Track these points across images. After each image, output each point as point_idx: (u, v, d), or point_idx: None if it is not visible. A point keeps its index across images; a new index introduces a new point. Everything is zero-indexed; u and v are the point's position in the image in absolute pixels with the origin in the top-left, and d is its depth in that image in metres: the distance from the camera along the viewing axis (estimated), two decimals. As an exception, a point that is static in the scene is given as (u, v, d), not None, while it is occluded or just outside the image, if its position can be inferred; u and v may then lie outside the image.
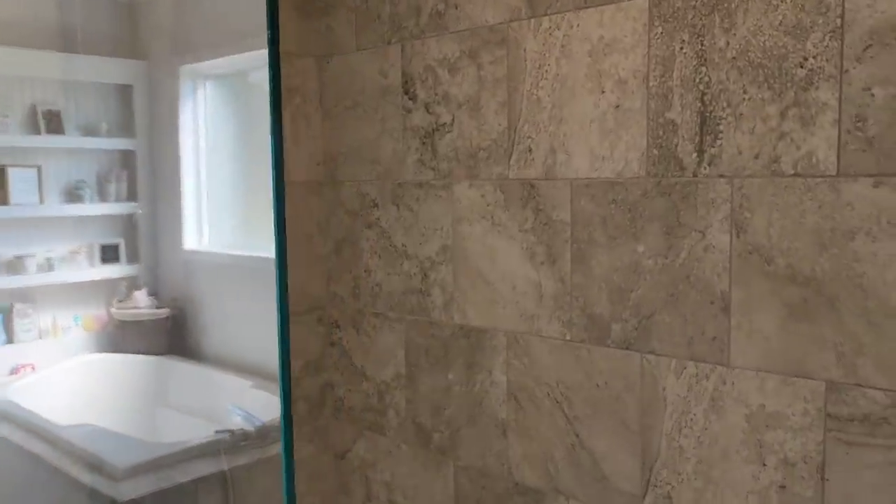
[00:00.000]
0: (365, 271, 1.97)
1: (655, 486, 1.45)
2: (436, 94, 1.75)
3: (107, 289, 3.82)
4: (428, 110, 1.77)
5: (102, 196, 3.78)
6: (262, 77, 3.55)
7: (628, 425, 1.48)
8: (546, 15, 1.54)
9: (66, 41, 3.52)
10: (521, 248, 1.63)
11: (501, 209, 1.66)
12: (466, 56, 1.68)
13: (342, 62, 1.95)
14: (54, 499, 2.68)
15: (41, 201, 3.61)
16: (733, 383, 1.34)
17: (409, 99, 1.81)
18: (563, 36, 1.52)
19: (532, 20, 1.56)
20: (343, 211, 2.01)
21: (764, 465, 1.32)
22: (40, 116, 3.61)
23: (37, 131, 3.58)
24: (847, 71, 1.19)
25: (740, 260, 1.32)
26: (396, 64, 1.82)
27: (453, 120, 1.72)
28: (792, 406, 1.28)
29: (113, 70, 3.71)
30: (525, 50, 1.58)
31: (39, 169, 3.58)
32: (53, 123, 3.64)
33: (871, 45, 1.17)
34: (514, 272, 1.64)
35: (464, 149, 1.71)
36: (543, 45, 1.55)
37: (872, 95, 1.17)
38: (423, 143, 1.79)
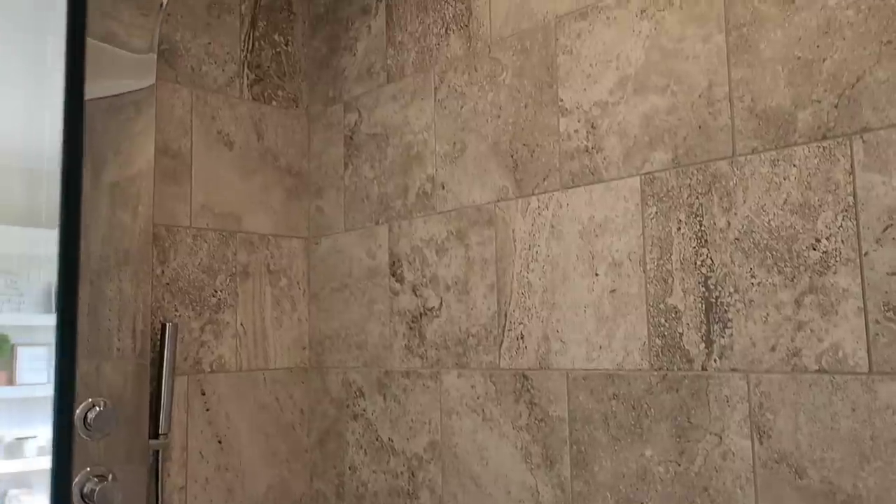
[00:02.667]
0: (350, 468, 1.77)
1: None
2: (423, 276, 1.64)
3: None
4: (415, 293, 1.66)
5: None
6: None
7: None
8: (534, 195, 1.45)
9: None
10: (515, 448, 1.43)
11: (493, 402, 1.48)
12: (454, 236, 1.59)
13: (330, 243, 1.87)
14: None
15: (49, 381, 3.51)
16: None
17: (397, 281, 1.70)
18: (552, 216, 1.42)
19: (520, 200, 1.47)
20: (328, 400, 1.84)
21: None
22: (55, 295, 3.60)
23: (51, 310, 3.55)
24: (867, 254, 1.05)
25: (766, 470, 1.12)
26: (384, 244, 1.73)
27: (441, 303, 1.60)
28: None
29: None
30: (514, 230, 1.48)
31: (50, 348, 3.51)
32: (61, 300, 3.62)
33: (891, 226, 1.03)
34: (508, 475, 1.44)
35: (452, 335, 1.57)
36: (532, 225, 1.45)
37: (899, 281, 1.02)
38: (411, 328, 1.66)
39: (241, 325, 1.79)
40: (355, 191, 1.82)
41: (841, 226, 1.08)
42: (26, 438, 3.55)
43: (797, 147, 1.13)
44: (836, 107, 1.09)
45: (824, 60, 1.11)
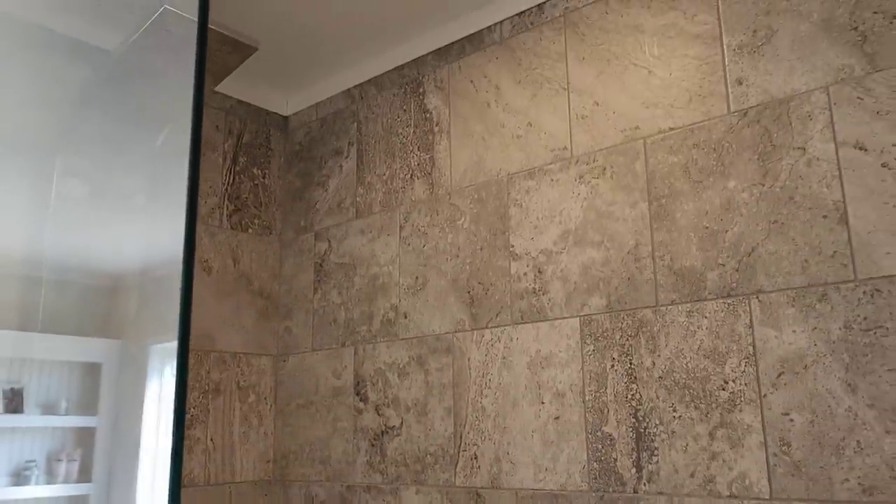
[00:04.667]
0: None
1: None
2: (386, 397, 1.79)
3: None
4: (378, 412, 1.80)
5: (51, 477, 3.64)
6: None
7: None
8: (487, 328, 1.64)
9: (41, 321, 3.62)
10: (470, 563, 1.57)
11: (449, 518, 1.62)
12: (415, 362, 1.76)
13: (298, 362, 2.02)
14: None
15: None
16: None
17: (361, 400, 1.85)
18: (504, 348, 1.60)
19: (475, 332, 1.66)
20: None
21: None
22: (0, 395, 3.58)
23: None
24: (765, 396, 1.26)
25: (689, 585, 1.28)
26: (349, 366, 1.89)
27: (402, 423, 1.75)
28: None
29: (83, 349, 3.78)
30: (469, 359, 1.66)
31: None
32: (14, 402, 3.61)
33: (783, 373, 1.25)
34: (463, 589, 1.56)
35: (411, 453, 1.71)
36: (486, 355, 1.63)
37: (792, 421, 1.23)
38: (373, 445, 1.79)
39: (211, 440, 1.89)
40: (323, 314, 1.99)
41: (744, 371, 1.29)
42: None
43: (707, 301, 1.35)
44: (737, 270, 1.33)
45: (726, 231, 1.35)
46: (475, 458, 1.60)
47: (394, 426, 1.76)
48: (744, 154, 1.35)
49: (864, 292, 1.19)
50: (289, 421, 2.00)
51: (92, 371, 4.22)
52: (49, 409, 4.02)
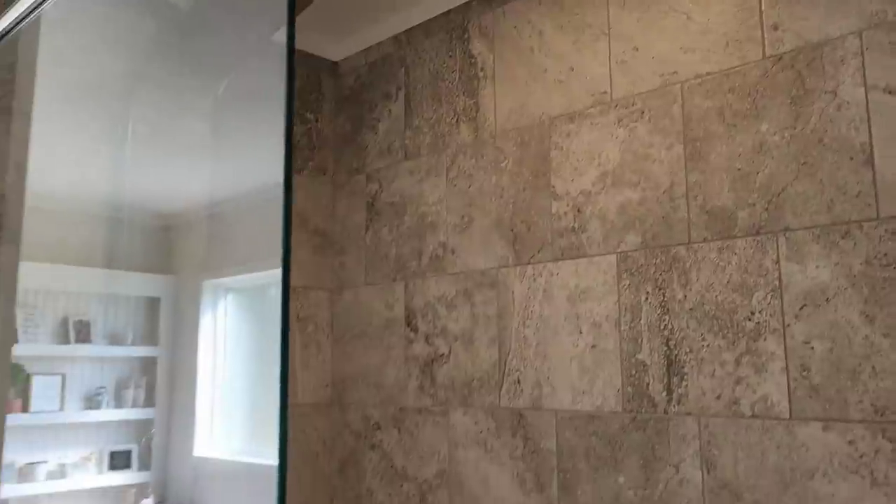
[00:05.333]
0: (367, 491, 2.05)
1: None
2: (435, 328, 1.94)
3: (115, 497, 3.82)
4: (428, 342, 1.95)
5: (119, 402, 3.92)
6: (279, 292, 3.78)
7: None
8: (530, 263, 1.76)
9: (106, 258, 3.85)
10: (512, 475, 1.72)
11: (493, 436, 1.77)
12: (462, 295, 1.89)
13: (352, 295, 2.17)
14: None
15: (61, 408, 3.74)
16: None
17: (412, 331, 1.99)
18: (545, 282, 1.72)
19: (518, 267, 1.78)
20: (348, 432, 2.12)
21: None
22: (71, 327, 3.85)
23: (66, 341, 3.79)
24: (789, 326, 1.36)
25: (712, 495, 1.41)
26: (401, 299, 2.03)
27: (450, 351, 1.89)
28: None
29: (144, 284, 4.01)
30: (513, 293, 1.78)
31: (63, 377, 3.75)
32: (83, 333, 3.87)
33: (805, 305, 1.35)
34: (506, 498, 1.73)
35: (459, 378, 1.86)
36: (528, 289, 1.75)
37: (812, 349, 1.33)
38: (423, 372, 1.95)
39: (275, 365, 2.07)
40: (375, 251, 2.12)
41: (770, 303, 1.39)
42: (37, 463, 3.78)
43: (737, 239, 1.44)
44: (766, 209, 1.41)
45: (758, 173, 1.43)
46: (518, 382, 1.74)
47: (442, 354, 1.91)
48: (777, 98, 1.42)
49: (886, 230, 1.27)
50: (345, 349, 2.16)
51: (152, 305, 4.48)
52: (116, 340, 4.30)
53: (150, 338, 4.09)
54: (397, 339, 2.03)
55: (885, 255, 1.26)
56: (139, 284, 4.02)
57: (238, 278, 3.77)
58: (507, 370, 1.77)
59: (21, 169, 1.64)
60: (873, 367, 1.26)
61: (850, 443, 1.27)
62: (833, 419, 1.29)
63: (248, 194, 3.12)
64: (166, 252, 4.12)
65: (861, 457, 1.25)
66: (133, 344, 3.99)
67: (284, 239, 0.83)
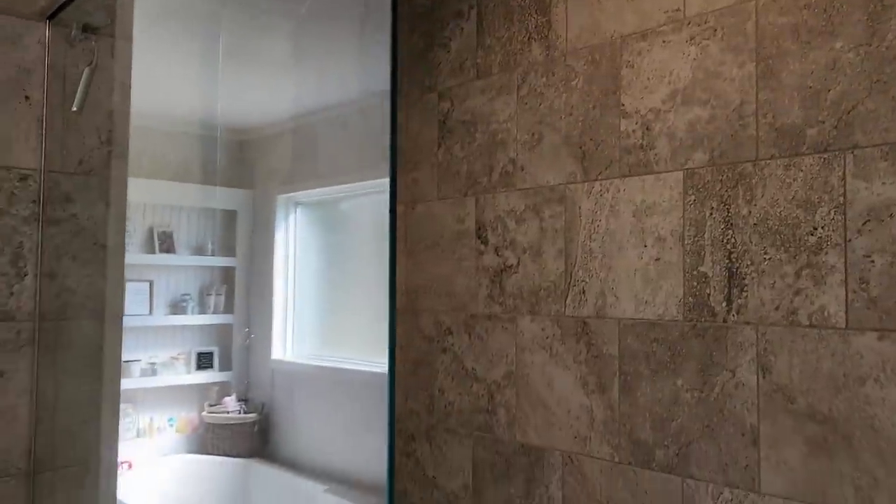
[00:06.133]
0: (439, 391, 2.22)
1: None
2: (504, 240, 2.04)
3: (199, 393, 4.16)
4: (497, 253, 2.06)
5: (203, 308, 4.20)
6: (352, 206, 3.95)
7: (672, 545, 1.64)
8: (597, 180, 1.83)
9: (187, 172, 4.05)
10: (576, 377, 1.85)
11: (558, 342, 1.89)
12: (530, 210, 1.98)
13: (425, 209, 2.28)
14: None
15: (150, 312, 4.05)
16: (764, 510, 1.50)
17: (482, 243, 2.11)
18: (612, 198, 1.79)
19: (585, 184, 1.85)
20: (420, 336, 2.28)
21: (794, 588, 1.45)
22: (156, 237, 4.11)
23: (152, 250, 4.07)
24: (850, 240, 1.41)
25: (766, 398, 1.51)
26: (471, 213, 2.13)
27: (518, 262, 2.00)
28: (816, 533, 1.43)
29: (223, 198, 4.22)
30: (580, 208, 1.86)
31: (151, 283, 4.04)
32: (166, 244, 4.13)
33: (869, 220, 1.39)
34: (569, 398, 1.86)
35: (527, 288, 1.98)
36: (595, 204, 1.83)
37: (872, 262, 1.38)
38: (493, 282, 2.07)
39: (354, 274, 2.22)
40: (447, 167, 2.22)
41: (833, 218, 1.44)
42: (131, 361, 4.12)
43: (805, 157, 1.48)
44: (835, 127, 1.44)
45: (829, 90, 1.45)
46: (583, 292, 1.85)
47: (511, 265, 2.02)
48: (853, 15, 1.42)
49: (955, 148, 1.29)
50: (418, 259, 2.30)
51: (230, 218, 4.73)
52: (197, 250, 4.57)
53: (229, 249, 4.34)
54: (468, 250, 2.14)
55: (952, 172, 1.29)
56: (218, 198, 4.24)
57: (310, 192, 3.93)
58: (572, 281, 1.87)
59: (125, 88, 1.77)
60: (931, 281, 1.31)
61: (903, 351, 1.34)
62: (889, 329, 1.36)
63: (325, 111, 3.23)
64: (243, 167, 4.31)
65: (913, 364, 1.33)
66: (213, 254, 4.25)
67: (392, 150, 0.93)
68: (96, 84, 1.70)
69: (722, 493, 1.57)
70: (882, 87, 1.38)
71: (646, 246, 1.73)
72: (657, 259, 1.70)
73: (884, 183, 1.37)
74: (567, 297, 1.88)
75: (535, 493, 1.93)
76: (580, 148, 1.87)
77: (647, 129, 1.74)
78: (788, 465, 1.48)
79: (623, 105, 1.79)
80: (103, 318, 1.75)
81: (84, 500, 1.67)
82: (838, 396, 1.42)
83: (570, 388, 1.86)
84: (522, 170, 2.01)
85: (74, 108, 1.62)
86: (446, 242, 2.21)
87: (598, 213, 1.82)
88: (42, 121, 1.65)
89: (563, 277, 1.89)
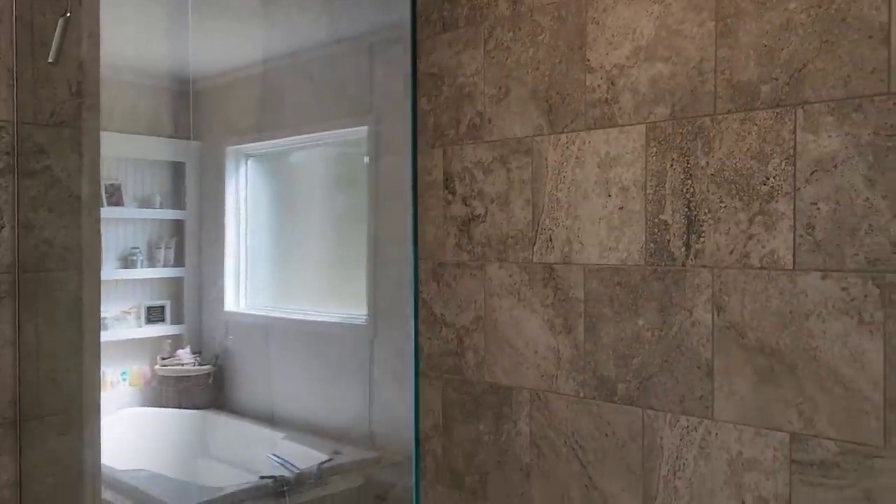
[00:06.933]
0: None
1: (655, 521, 1.75)
2: (472, 191, 2.12)
3: (152, 347, 4.15)
4: (465, 203, 2.14)
5: (152, 261, 4.17)
6: (302, 157, 3.93)
7: (633, 469, 1.79)
8: (563, 132, 1.91)
9: (132, 123, 3.96)
10: (543, 320, 1.96)
11: (526, 287, 2.00)
12: (498, 161, 2.06)
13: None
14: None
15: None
16: (716, 434, 1.66)
17: (450, 193, 2.18)
18: (578, 150, 1.89)
19: (552, 136, 1.94)
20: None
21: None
22: (103, 190, 4.02)
23: (151, 206, 4.05)
24: (799, 189, 1.55)
25: (720, 334, 1.65)
26: (439, 164, 2.20)
27: (486, 212, 2.08)
28: (764, 453, 1.59)
29: (169, 149, 4.14)
30: (546, 159, 1.95)
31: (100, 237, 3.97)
32: (115, 196, 4.05)
33: (816, 171, 1.52)
34: (537, 339, 1.98)
35: (495, 236, 2.07)
36: (561, 155, 1.92)
37: (818, 209, 1.52)
38: (461, 231, 2.15)
39: (323, 224, 2.27)
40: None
41: (784, 169, 1.57)
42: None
43: (759, 111, 1.60)
44: (787, 84, 1.56)
45: (782, 50, 1.56)
46: (550, 240, 1.95)
47: (479, 214, 2.10)
48: (806, -21, 1.53)
49: (895, 104, 1.42)
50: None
51: (178, 170, 4.67)
52: (145, 202, 4.53)
53: (177, 201, 4.29)
54: (436, 200, 2.21)
55: (892, 126, 1.43)
56: (164, 149, 4.16)
57: (261, 144, 3.91)
58: (539, 229, 1.97)
59: (94, 38, 1.75)
60: (870, 225, 1.46)
61: (844, 289, 1.49)
62: (831, 269, 1.50)
63: (279, 59, 3.19)
64: (192, 118, 4.23)
65: (852, 300, 1.48)
66: (161, 207, 4.20)
67: (412, 96, 0.98)
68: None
69: (679, 421, 1.72)
70: (830, 47, 1.50)
71: (610, 195, 1.83)
72: (621, 208, 1.81)
73: (830, 136, 1.50)
74: (535, 244, 1.98)
75: (503, 428, 2.06)
76: (546, 101, 1.95)
77: (612, 83, 1.82)
78: (739, 394, 1.63)
79: (588, 60, 1.87)
80: (81, 268, 1.76)
81: (70, 445, 1.71)
82: (785, 331, 1.57)
83: (538, 330, 1.98)
84: (490, 122, 2.07)
85: (51, 60, 1.60)
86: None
87: (565, 164, 1.91)
88: (13, 72, 1.63)
89: (530, 226, 1.99)
